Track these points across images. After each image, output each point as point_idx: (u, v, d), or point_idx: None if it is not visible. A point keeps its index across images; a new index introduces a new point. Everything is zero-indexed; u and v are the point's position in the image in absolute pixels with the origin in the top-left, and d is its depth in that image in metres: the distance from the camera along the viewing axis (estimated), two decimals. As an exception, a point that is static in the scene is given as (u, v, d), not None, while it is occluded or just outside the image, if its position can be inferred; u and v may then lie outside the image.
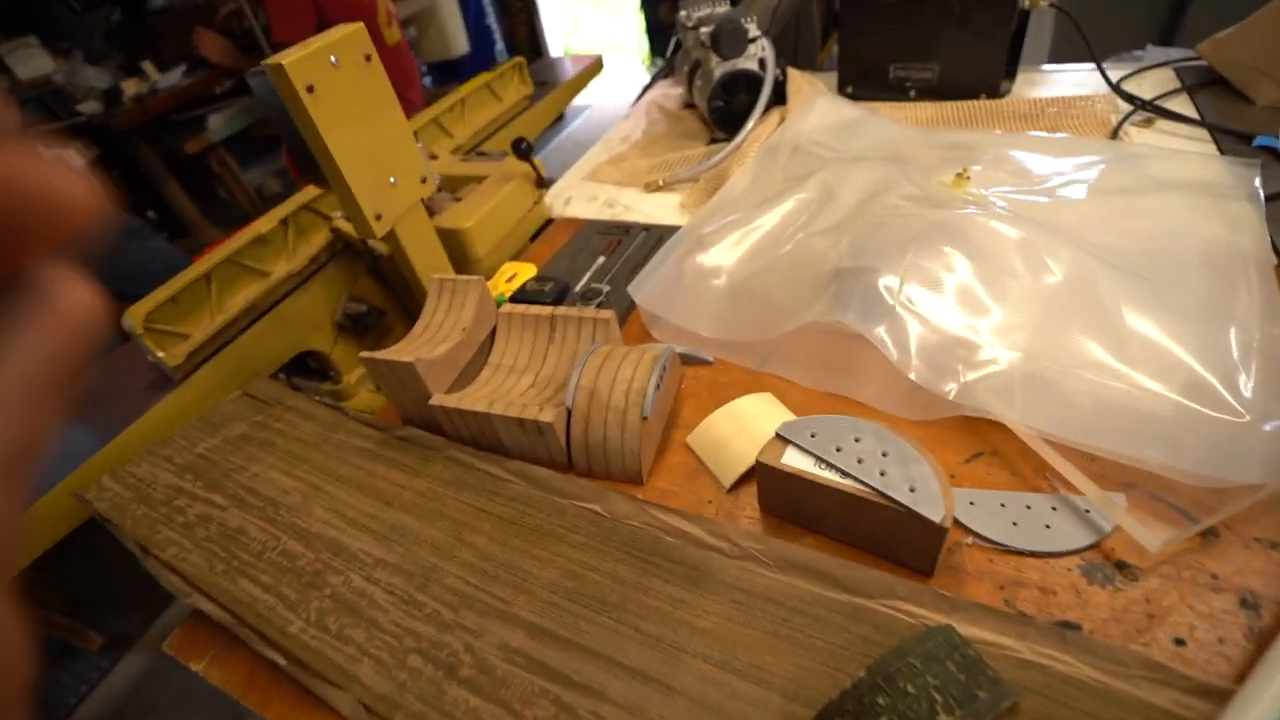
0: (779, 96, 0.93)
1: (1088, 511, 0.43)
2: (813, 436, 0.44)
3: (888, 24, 0.93)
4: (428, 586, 0.48)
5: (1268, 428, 0.42)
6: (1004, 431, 0.49)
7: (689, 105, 1.10)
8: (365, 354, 0.56)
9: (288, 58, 0.52)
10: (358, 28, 0.58)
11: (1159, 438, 0.44)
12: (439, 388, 0.57)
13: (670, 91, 1.20)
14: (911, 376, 0.49)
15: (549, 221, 0.90)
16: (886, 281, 0.53)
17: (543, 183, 0.86)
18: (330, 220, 0.82)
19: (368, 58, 0.59)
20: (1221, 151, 0.75)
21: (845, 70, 0.99)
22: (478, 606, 0.47)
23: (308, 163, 0.62)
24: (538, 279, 0.73)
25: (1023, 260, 0.54)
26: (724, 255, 0.67)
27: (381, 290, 0.91)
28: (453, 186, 0.87)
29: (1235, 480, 0.41)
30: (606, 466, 0.51)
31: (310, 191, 0.81)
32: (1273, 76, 0.81)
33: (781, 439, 0.44)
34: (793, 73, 0.95)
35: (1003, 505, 0.45)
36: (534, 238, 0.88)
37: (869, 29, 0.94)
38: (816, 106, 0.90)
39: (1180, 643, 0.37)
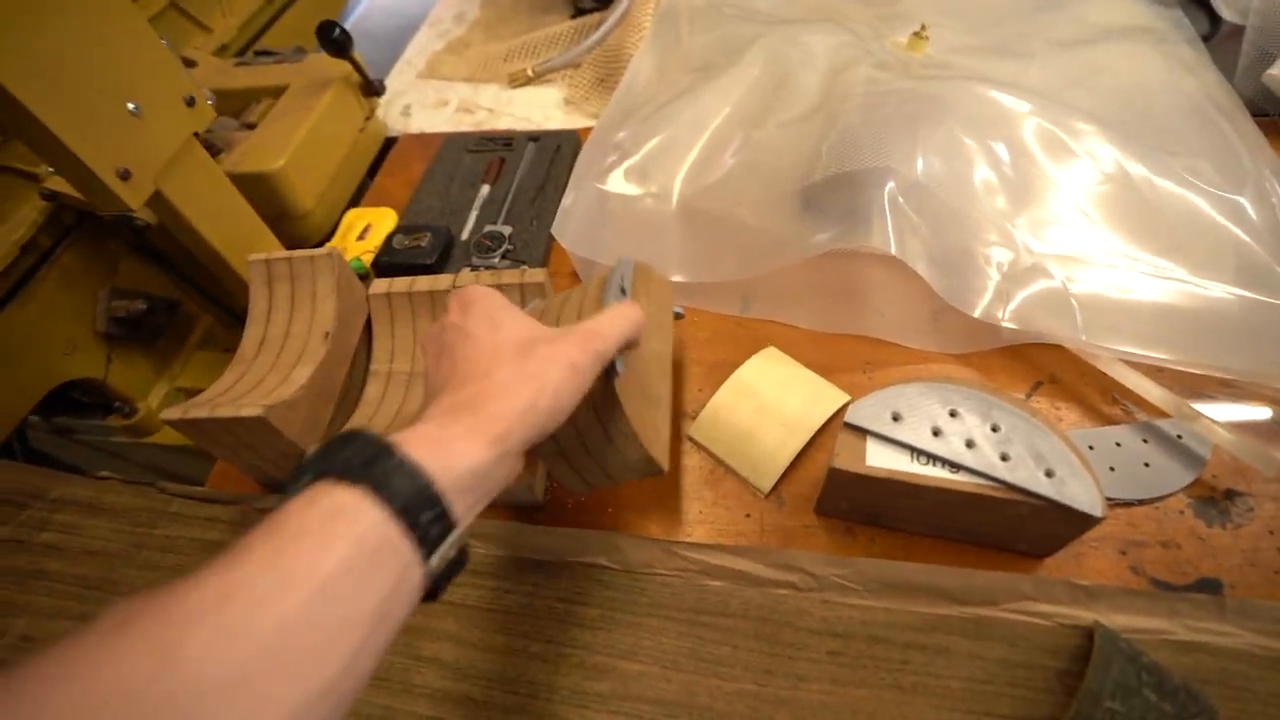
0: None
1: (1179, 438, 0.37)
2: (895, 420, 0.32)
3: None
4: (387, 750, 0.32)
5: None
6: (1056, 353, 0.41)
7: (535, -34, 0.86)
8: (171, 414, 0.34)
9: None
10: None
11: (1235, 340, 0.38)
12: (311, 435, 0.37)
13: (502, -51, 0.93)
14: (970, 310, 0.39)
15: (390, 142, 0.66)
16: (902, 183, 0.41)
17: (372, 89, 0.61)
18: (39, 180, 0.52)
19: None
20: (1137, -11, 0.70)
21: (725, -91, 0.81)
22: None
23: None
24: (406, 230, 0.52)
25: (1038, 138, 0.45)
26: (657, 168, 0.50)
27: (161, 272, 0.63)
28: (233, 108, 0.59)
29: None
30: (604, 470, 0.32)
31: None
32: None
33: (855, 430, 0.32)
34: (671, -87, 0.74)
35: (1092, 448, 0.37)
36: (374, 169, 0.64)
37: None
38: (708, -42, 0.72)
39: (1318, 574, 0.33)
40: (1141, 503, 0.36)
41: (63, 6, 0.34)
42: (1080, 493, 0.29)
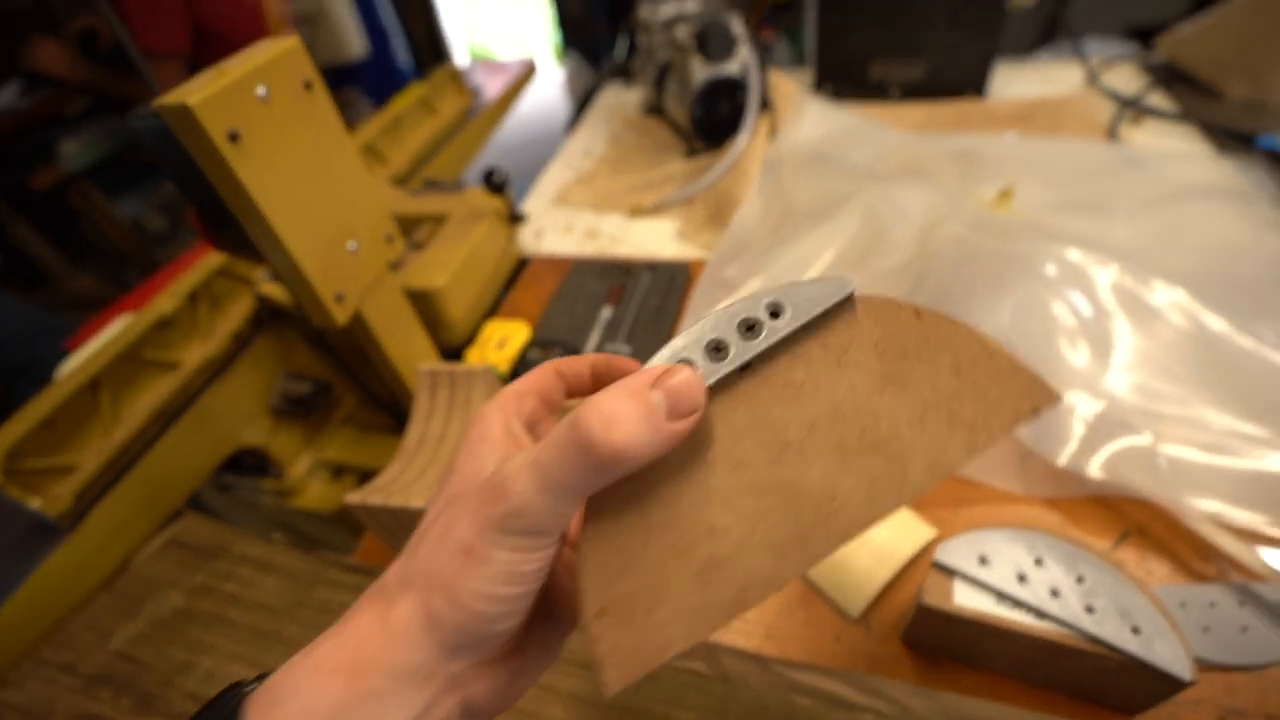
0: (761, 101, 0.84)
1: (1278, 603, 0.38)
2: (982, 563, 0.35)
3: (870, 19, 0.86)
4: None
5: None
6: (1145, 505, 0.43)
7: (653, 111, 0.99)
8: (353, 498, 0.42)
9: (194, 95, 0.37)
10: (293, 44, 0.42)
11: (1333, 507, 0.39)
12: (459, 521, 0.44)
13: (625, 95, 1.08)
14: (1057, 460, 0.42)
15: (523, 262, 0.77)
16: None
17: (516, 218, 0.72)
18: (253, 285, 0.64)
19: (308, 85, 0.44)
20: (1219, 151, 0.74)
21: (824, 67, 0.92)
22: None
23: (228, 230, 0.46)
24: (539, 344, 0.60)
25: (1118, 298, 0.49)
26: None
27: (323, 359, 0.74)
28: (404, 229, 0.71)
29: None
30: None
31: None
32: (1245, 73, 0.82)
33: (943, 569, 0.36)
34: (775, 75, 0.86)
35: (1184, 605, 0.38)
36: (509, 284, 0.74)
37: (850, 24, 0.87)
38: (807, 114, 0.82)
39: None
40: (1241, 668, 0.36)
41: (313, 171, 0.45)
42: (1168, 653, 0.31)
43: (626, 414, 0.16)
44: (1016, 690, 0.37)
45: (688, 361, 0.18)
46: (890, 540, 0.42)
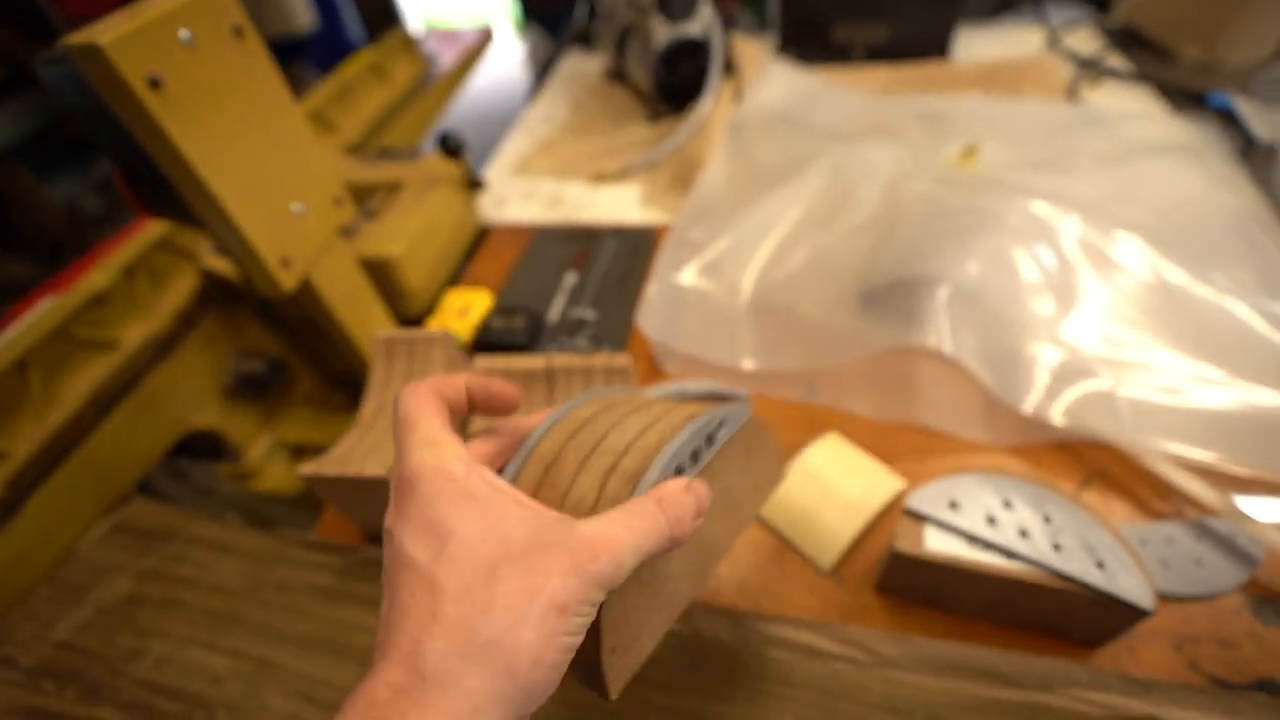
0: (725, 64, 0.82)
1: (1232, 537, 0.39)
2: (953, 508, 0.35)
3: (832, -20, 0.85)
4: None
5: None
6: (1106, 449, 0.43)
7: (615, 76, 0.97)
8: (308, 469, 0.40)
9: (106, 34, 0.34)
10: (219, -10, 0.40)
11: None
12: (422, 491, 0.42)
13: (586, 62, 1.05)
14: (1021, 406, 0.42)
15: (485, 231, 0.74)
16: (954, 290, 0.45)
17: (474, 185, 0.70)
18: (197, 259, 0.61)
19: (238, 31, 0.41)
20: (1173, 110, 0.75)
21: (788, 31, 0.91)
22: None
23: (158, 191, 0.43)
24: (501, 311, 0.58)
25: (1083, 249, 0.49)
26: (729, 265, 0.56)
27: (276, 335, 0.71)
28: (357, 198, 0.68)
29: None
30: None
31: (160, 223, 0.60)
32: (1196, 35, 0.83)
33: (914, 515, 0.35)
34: (738, 38, 0.84)
35: (1145, 542, 0.39)
36: (470, 253, 0.72)
37: (812, -14, 0.86)
38: (772, 76, 0.80)
39: (1380, 684, 0.33)
40: (1196, 599, 0.37)
41: (262, 128, 0.43)
42: (1131, 585, 0.31)
43: (680, 505, 0.21)
44: (986, 630, 0.37)
45: (680, 469, 0.24)
46: (860, 493, 0.41)
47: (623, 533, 0.19)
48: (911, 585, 0.37)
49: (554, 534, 0.18)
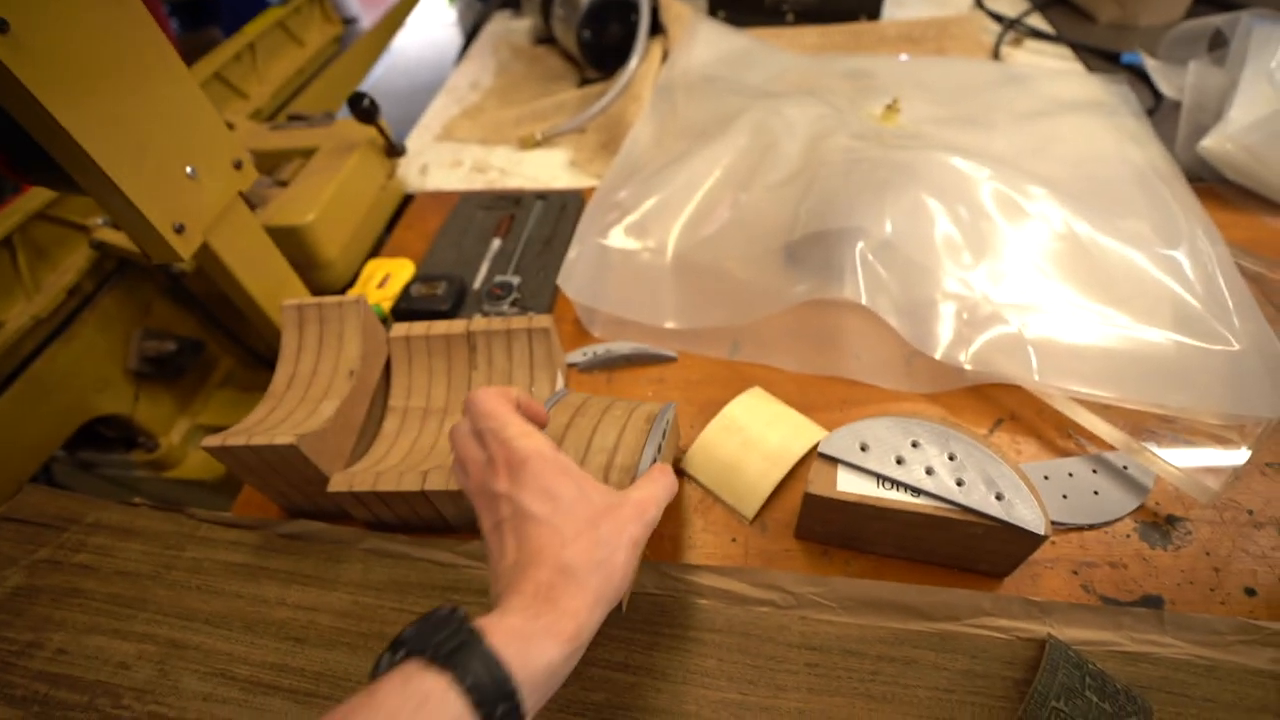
0: (653, 25, 0.81)
1: (1125, 468, 0.41)
2: (863, 449, 0.36)
3: (760, -62, 0.84)
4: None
5: (1265, 352, 0.42)
6: (1016, 393, 0.45)
7: (543, 40, 0.94)
8: (212, 441, 0.38)
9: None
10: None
11: (1172, 379, 0.43)
12: (335, 463, 0.41)
13: (514, 25, 1.02)
14: (932, 353, 0.43)
15: (408, 199, 0.72)
16: (871, 241, 0.46)
17: (394, 150, 0.67)
18: (88, 230, 0.57)
19: (108, -21, 0.37)
20: (1089, 68, 0.78)
21: (717, -8, 0.89)
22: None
23: (27, 154, 0.39)
24: (423, 279, 0.57)
25: (996, 201, 0.50)
26: (654, 225, 0.56)
27: (190, 314, 0.68)
28: (267, 166, 0.65)
29: (1251, 414, 0.41)
30: None
31: (41, 192, 0.55)
32: (1112, -4, 0.85)
33: (827, 459, 0.36)
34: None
35: (1046, 477, 0.41)
36: (392, 223, 0.69)
37: (740, -56, 0.85)
38: (699, 36, 0.79)
39: (1251, 592, 0.36)
40: (1092, 527, 0.39)
41: (140, 84, 0.40)
42: (1027, 514, 0.33)
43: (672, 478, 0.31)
44: (900, 568, 0.38)
45: (655, 458, 0.34)
46: (781, 443, 0.42)
47: (657, 492, 0.29)
48: (828, 528, 0.38)
49: (618, 498, 0.28)
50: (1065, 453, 0.43)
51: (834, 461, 0.36)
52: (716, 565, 0.39)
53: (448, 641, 0.21)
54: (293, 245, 0.56)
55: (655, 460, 0.34)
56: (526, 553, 0.25)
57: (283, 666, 0.37)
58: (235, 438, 0.38)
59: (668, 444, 0.38)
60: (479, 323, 0.46)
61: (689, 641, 0.36)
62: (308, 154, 0.64)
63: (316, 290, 0.60)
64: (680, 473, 0.44)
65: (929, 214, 0.49)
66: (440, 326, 0.47)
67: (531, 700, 0.22)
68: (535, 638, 0.23)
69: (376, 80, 1.12)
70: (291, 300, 0.45)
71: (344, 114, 0.77)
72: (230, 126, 0.68)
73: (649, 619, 0.38)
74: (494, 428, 0.28)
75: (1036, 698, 0.30)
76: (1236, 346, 0.43)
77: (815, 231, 0.48)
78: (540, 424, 0.31)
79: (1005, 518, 0.33)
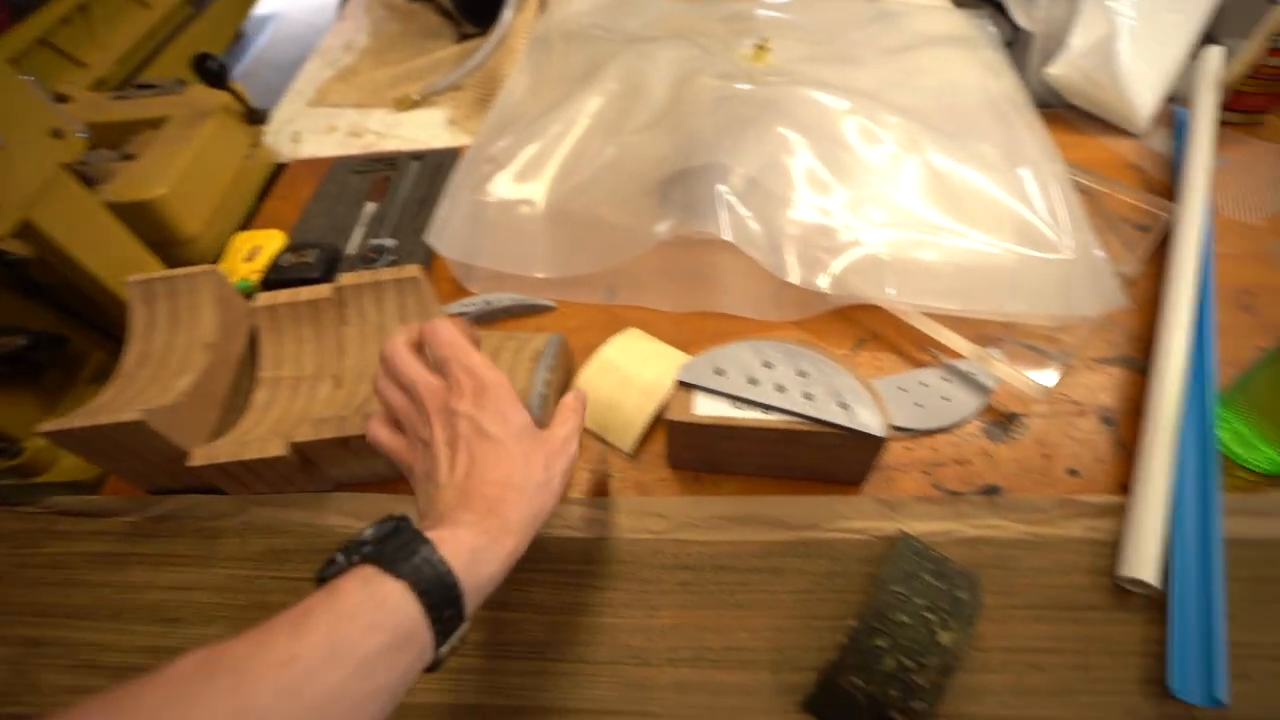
0: (530, -24, 0.78)
1: (972, 374, 0.44)
2: (718, 374, 0.37)
3: (631, -120, 0.81)
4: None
5: (1091, 258, 0.46)
6: (877, 313, 0.47)
7: (420, -4, 0.90)
8: (46, 426, 0.36)
9: None
10: None
11: (1014, 288, 0.46)
12: (197, 438, 0.39)
13: (388, -19, 0.97)
14: (790, 279, 0.45)
15: (280, 169, 0.68)
16: (734, 177, 0.47)
17: (254, 117, 0.63)
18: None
19: None
20: (957, 3, 0.80)
21: (595, -60, 0.87)
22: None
23: None
24: (293, 249, 0.54)
25: (856, 132, 0.52)
26: (529, 176, 0.55)
27: (44, 307, 0.63)
28: (113, 139, 0.60)
29: (1077, 314, 0.44)
30: None
31: None
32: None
33: (686, 386, 0.37)
34: (540, -55, 0.80)
35: (902, 389, 0.44)
36: (264, 194, 0.66)
37: (612, -113, 0.82)
38: (577, -15, 0.77)
39: (1074, 473, 0.40)
40: (943, 430, 0.42)
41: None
42: (869, 419, 0.35)
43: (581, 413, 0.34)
44: (767, 486, 0.40)
45: (546, 386, 0.40)
46: (656, 378, 0.43)
47: (572, 432, 0.32)
48: (695, 453, 0.40)
49: (548, 434, 0.31)
50: (922, 365, 0.46)
51: (692, 388, 0.37)
52: (594, 499, 0.40)
53: (402, 550, 0.23)
54: (146, 221, 0.53)
55: (543, 393, 0.38)
56: (480, 467, 0.27)
57: (156, 649, 0.36)
58: (78, 419, 0.36)
59: (556, 373, 0.41)
60: (347, 278, 0.45)
61: (566, 574, 0.38)
62: (157, 124, 0.59)
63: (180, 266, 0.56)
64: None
65: (791, 147, 0.50)
66: (306, 292, 0.45)
67: (472, 606, 0.25)
68: (481, 551, 0.25)
69: (261, 50, 1.05)
70: (137, 276, 0.43)
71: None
72: (64, 99, 0.62)
73: (530, 557, 0.38)
74: (459, 356, 0.30)
75: (879, 584, 0.33)
76: (1069, 256, 0.47)
77: (681, 170, 0.48)
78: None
79: (847, 424, 0.35)
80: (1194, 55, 0.61)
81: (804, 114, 0.52)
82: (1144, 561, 0.34)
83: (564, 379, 0.45)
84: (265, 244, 0.56)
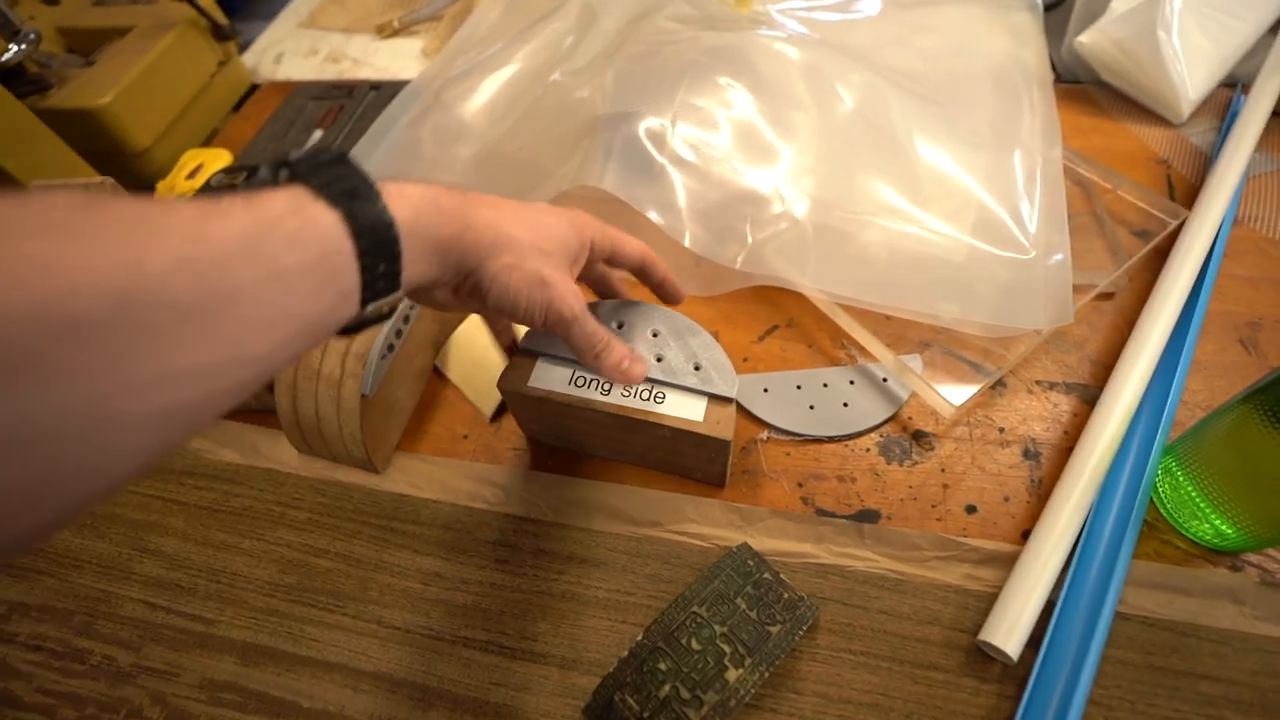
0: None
1: (885, 380, 0.39)
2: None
3: None
4: (94, 626, 0.35)
5: (1050, 263, 0.39)
6: (803, 299, 0.42)
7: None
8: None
9: None
10: None
11: (952, 288, 0.39)
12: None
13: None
14: (686, 244, 0.40)
15: (254, 89, 0.68)
16: (650, 128, 0.42)
17: (222, 32, 0.62)
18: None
19: None
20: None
21: None
22: (168, 637, 0.35)
23: None
24: (230, 169, 0.54)
25: (810, 89, 0.46)
26: (471, 110, 0.52)
27: None
28: (85, 46, 0.61)
29: (1021, 327, 0.38)
30: (328, 450, 0.38)
31: None
32: None
33: (527, 354, 0.34)
34: None
35: (799, 387, 0.39)
36: (236, 111, 0.66)
37: None
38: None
39: (972, 510, 0.34)
40: (833, 439, 0.37)
41: None
42: (721, 383, 0.31)
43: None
44: (627, 472, 0.37)
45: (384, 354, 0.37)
46: (530, 342, 0.40)
47: (586, 317, 0.29)
48: (540, 425, 0.37)
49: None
50: (835, 362, 0.40)
51: (534, 355, 0.34)
52: (437, 457, 0.38)
53: (341, 182, 0.19)
54: (91, 130, 0.53)
55: (389, 351, 0.37)
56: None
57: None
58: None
59: (424, 329, 0.39)
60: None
61: (390, 532, 0.36)
62: (123, 33, 0.59)
63: (132, 182, 0.57)
64: (436, 370, 0.42)
65: (729, 100, 0.45)
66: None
67: (411, 271, 0.21)
68: (436, 215, 0.22)
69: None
70: (40, 182, 0.43)
71: None
72: (54, 2, 0.63)
73: (359, 509, 0.37)
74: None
75: (680, 601, 0.29)
76: (1030, 255, 0.40)
77: (604, 115, 0.44)
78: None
79: (702, 387, 0.31)
80: (1272, 31, 0.51)
81: (760, 65, 0.46)
82: (1010, 628, 0.29)
83: (439, 330, 0.42)
84: (209, 162, 0.55)
